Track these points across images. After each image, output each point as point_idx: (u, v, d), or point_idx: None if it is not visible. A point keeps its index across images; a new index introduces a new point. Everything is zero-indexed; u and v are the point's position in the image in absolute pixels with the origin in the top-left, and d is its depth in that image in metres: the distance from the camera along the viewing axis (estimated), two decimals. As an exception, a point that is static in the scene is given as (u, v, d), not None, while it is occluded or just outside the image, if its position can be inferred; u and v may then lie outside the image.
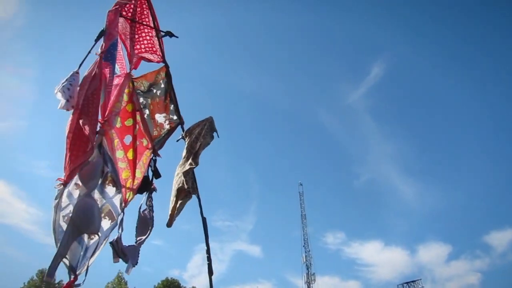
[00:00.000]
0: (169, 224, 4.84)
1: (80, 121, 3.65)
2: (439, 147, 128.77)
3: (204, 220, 4.93)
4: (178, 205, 4.92)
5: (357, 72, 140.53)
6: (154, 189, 5.06)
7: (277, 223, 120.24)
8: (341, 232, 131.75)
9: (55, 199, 3.64)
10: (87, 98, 3.74)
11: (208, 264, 4.71)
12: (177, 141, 5.39)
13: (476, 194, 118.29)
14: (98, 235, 3.92)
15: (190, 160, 5.01)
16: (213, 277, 4.77)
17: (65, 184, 3.64)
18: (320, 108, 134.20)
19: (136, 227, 4.86)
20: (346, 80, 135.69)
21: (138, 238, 4.73)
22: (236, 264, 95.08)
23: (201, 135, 5.21)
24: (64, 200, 3.71)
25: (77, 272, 3.65)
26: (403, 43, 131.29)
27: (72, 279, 3.60)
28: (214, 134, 5.35)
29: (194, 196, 5.01)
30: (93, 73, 3.87)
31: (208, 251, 4.76)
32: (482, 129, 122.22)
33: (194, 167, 4.99)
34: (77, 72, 3.98)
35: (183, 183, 4.85)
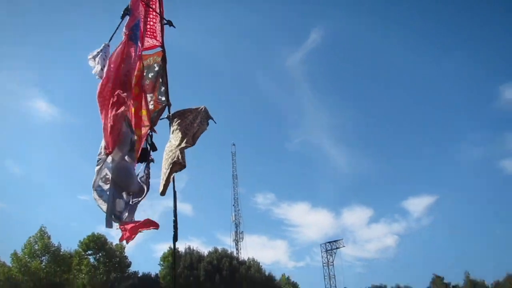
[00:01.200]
0: (163, 193, 5.40)
1: (119, 95, 4.37)
2: (369, 116, 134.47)
3: (175, 194, 5.63)
4: (171, 177, 5.48)
5: (296, 36, 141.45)
6: (152, 160, 5.59)
7: (208, 182, 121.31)
8: (271, 193, 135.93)
9: (97, 165, 4.47)
10: (124, 76, 4.49)
11: (174, 232, 5.43)
12: (161, 119, 5.89)
13: (398, 161, 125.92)
14: (136, 192, 4.77)
15: (187, 139, 5.55)
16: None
17: (109, 154, 4.41)
18: (257, 70, 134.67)
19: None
20: (285, 43, 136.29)
21: (133, 200, 5.23)
22: (166, 221, 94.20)
23: (196, 121, 5.71)
24: (101, 167, 4.50)
25: (122, 220, 4.54)
26: (342, 10, 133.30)
27: (121, 225, 4.55)
28: (210, 121, 5.87)
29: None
30: (123, 52, 4.60)
31: (175, 221, 5.43)
32: (412, 101, 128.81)
33: (191, 146, 5.56)
34: (108, 45, 4.72)
35: (178, 158, 5.39)
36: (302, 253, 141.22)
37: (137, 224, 4.73)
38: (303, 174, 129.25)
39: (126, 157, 4.71)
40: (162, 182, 5.46)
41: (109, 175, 4.48)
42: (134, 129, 5.06)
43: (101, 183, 4.51)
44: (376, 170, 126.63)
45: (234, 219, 71.50)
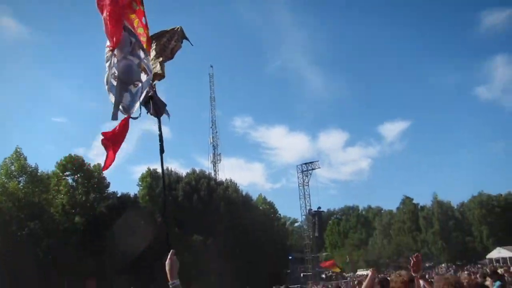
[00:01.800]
0: None
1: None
2: (348, 40, 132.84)
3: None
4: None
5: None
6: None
7: (186, 104, 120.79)
8: (249, 116, 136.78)
9: (106, 61, 4.92)
10: None
11: (160, 144, 5.46)
12: None
13: (375, 86, 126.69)
14: (141, 82, 5.05)
15: (166, 53, 5.93)
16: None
17: (113, 49, 4.84)
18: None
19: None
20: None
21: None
22: (144, 144, 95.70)
23: (174, 38, 6.01)
24: (110, 63, 4.91)
25: (130, 112, 4.90)
26: None
27: (127, 116, 4.89)
28: (186, 42, 6.15)
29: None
30: None
31: (160, 135, 5.48)
32: (391, 26, 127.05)
33: (169, 60, 5.95)
34: None
35: (158, 70, 5.74)
36: (278, 175, 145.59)
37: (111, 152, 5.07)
38: (281, 97, 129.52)
39: (128, 56, 5.06)
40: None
41: (116, 73, 4.89)
42: (144, 30, 5.31)
43: (111, 79, 4.93)
44: (353, 95, 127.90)
45: (211, 141, 72.07)
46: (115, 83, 4.94)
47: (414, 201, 73.25)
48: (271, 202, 74.27)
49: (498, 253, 50.53)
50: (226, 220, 52.79)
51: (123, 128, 5.00)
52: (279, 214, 77.16)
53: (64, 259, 41.44)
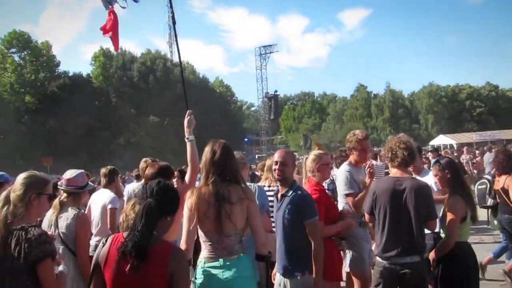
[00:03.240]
0: None
1: None
2: None
3: None
4: None
5: None
6: None
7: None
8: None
9: None
10: None
11: (172, 15, 5.56)
12: None
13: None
14: None
15: None
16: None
17: None
18: None
19: None
20: None
21: None
22: (96, 22, 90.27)
23: None
24: None
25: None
26: None
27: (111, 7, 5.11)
28: None
29: None
30: None
31: (172, 13, 5.58)
32: None
33: None
34: None
35: None
36: (236, 59, 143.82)
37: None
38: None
39: None
40: None
41: None
42: None
43: None
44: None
45: (168, 21, 68.82)
46: None
47: (368, 89, 75.13)
48: (228, 85, 74.18)
49: (440, 140, 53.60)
50: (183, 101, 52.63)
51: (114, 18, 5.24)
52: (236, 98, 77.66)
53: (17, 138, 40.95)
